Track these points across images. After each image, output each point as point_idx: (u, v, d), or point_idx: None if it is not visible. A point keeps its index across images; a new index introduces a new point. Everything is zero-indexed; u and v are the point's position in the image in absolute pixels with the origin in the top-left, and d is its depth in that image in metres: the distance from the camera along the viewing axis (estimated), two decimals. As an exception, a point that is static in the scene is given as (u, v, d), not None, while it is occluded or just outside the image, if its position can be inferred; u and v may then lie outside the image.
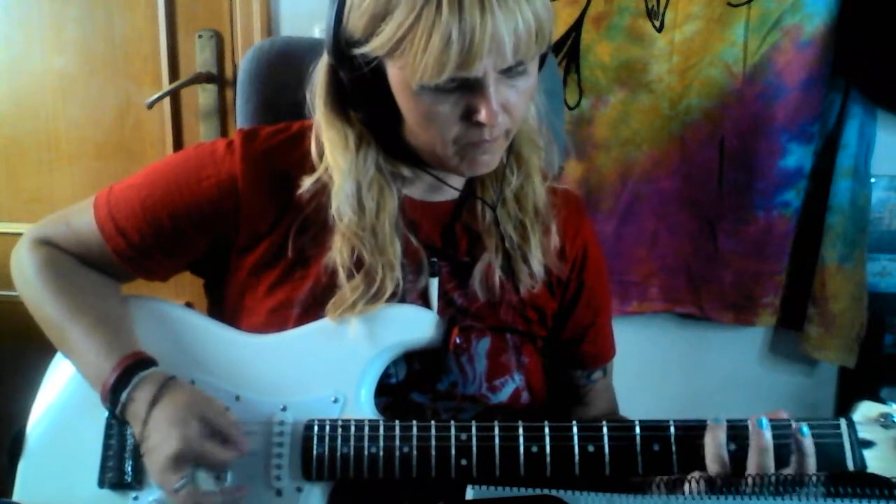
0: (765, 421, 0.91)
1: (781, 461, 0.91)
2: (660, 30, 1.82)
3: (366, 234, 1.00)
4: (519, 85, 0.92)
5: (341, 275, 1.01)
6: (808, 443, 0.90)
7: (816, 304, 1.89)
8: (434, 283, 1.05)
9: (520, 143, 1.05)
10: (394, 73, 0.90)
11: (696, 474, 0.91)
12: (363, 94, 0.94)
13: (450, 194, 1.07)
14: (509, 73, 0.90)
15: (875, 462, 0.91)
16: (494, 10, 0.83)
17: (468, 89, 0.89)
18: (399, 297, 1.03)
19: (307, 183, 1.02)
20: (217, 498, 0.95)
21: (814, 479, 0.84)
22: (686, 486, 0.90)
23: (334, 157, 1.00)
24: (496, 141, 0.95)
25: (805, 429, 0.91)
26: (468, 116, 0.91)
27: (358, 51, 0.90)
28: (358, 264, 1.01)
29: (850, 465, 0.91)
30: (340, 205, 1.00)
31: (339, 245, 1.01)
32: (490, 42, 0.84)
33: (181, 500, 0.92)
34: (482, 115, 0.89)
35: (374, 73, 0.91)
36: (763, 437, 0.90)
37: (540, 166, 1.09)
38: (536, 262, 1.07)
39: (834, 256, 1.85)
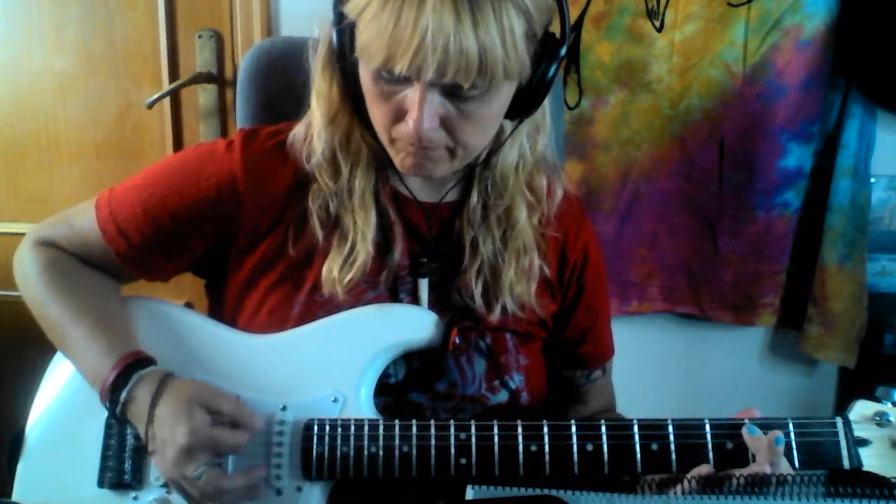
0: (782, 439, 0.90)
1: (740, 463, 0.91)
2: (660, 30, 1.82)
3: (339, 189, 1.01)
4: (467, 109, 0.90)
5: (317, 228, 1.01)
6: (762, 440, 0.90)
7: (816, 304, 1.89)
8: (423, 284, 1.05)
9: (503, 177, 1.04)
10: (358, 39, 0.89)
11: (704, 468, 0.91)
12: (341, 52, 0.93)
13: (447, 195, 1.07)
14: (454, 91, 0.88)
15: (871, 460, 0.91)
16: (429, 19, 0.81)
17: (407, 87, 0.88)
18: (391, 293, 1.04)
19: (298, 129, 1.03)
20: (238, 480, 0.94)
21: (812, 478, 0.84)
22: (679, 487, 0.90)
23: (317, 101, 1.01)
24: (434, 151, 0.93)
25: (752, 429, 0.91)
26: (400, 115, 0.91)
27: (344, 7, 0.90)
28: (335, 223, 1.02)
29: (847, 464, 0.92)
30: (314, 151, 1.01)
31: (316, 195, 1.02)
32: (415, 48, 0.82)
33: (201, 488, 0.92)
34: (408, 118, 0.89)
35: (350, 35, 0.90)
36: (777, 454, 0.90)
37: (531, 201, 1.07)
38: (507, 298, 1.05)
39: (834, 256, 1.85)
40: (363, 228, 1.01)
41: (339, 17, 0.91)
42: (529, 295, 1.07)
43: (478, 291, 1.04)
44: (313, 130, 1.02)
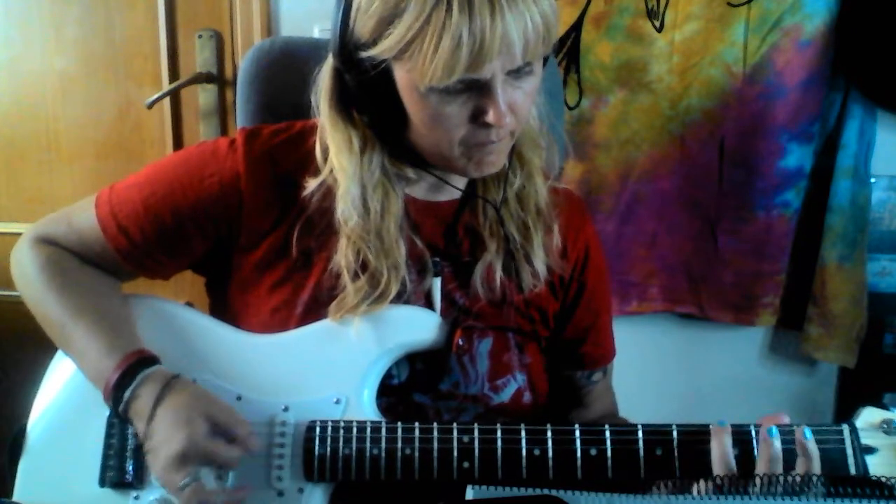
0: (775, 429, 0.91)
1: (787, 466, 0.91)
2: (660, 30, 1.82)
3: (370, 237, 1.00)
4: (525, 85, 0.92)
5: (346, 277, 1.01)
6: (812, 446, 0.90)
7: (816, 304, 1.89)
8: (437, 284, 1.05)
9: (521, 144, 1.05)
10: (401, 75, 0.90)
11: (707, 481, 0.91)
12: (369, 96, 0.94)
13: (452, 194, 1.07)
14: (517, 73, 0.90)
15: (878, 468, 0.91)
16: (504, 11, 0.83)
17: (476, 90, 0.89)
18: (403, 298, 1.03)
19: (312, 185, 1.02)
20: (221, 496, 0.94)
21: (814, 480, 0.84)
22: (694, 489, 0.90)
23: (339, 159, 1.00)
24: (502, 142, 0.95)
25: (808, 432, 0.91)
26: (476, 118, 0.91)
27: (365, 53, 0.90)
28: (363, 266, 1.01)
29: (853, 472, 0.91)
30: (345, 208, 1.00)
31: (345, 247, 1.01)
32: (500, 44, 0.84)
33: (186, 499, 0.92)
34: (490, 117, 0.90)
35: (381, 76, 0.90)
36: (773, 447, 0.90)
37: (541, 166, 1.09)
38: (539, 262, 1.07)
39: (834, 256, 1.85)
40: (396, 267, 1.01)
41: (358, 66, 0.91)
42: (555, 256, 1.09)
43: (498, 275, 1.05)
44: (339, 185, 1.00)
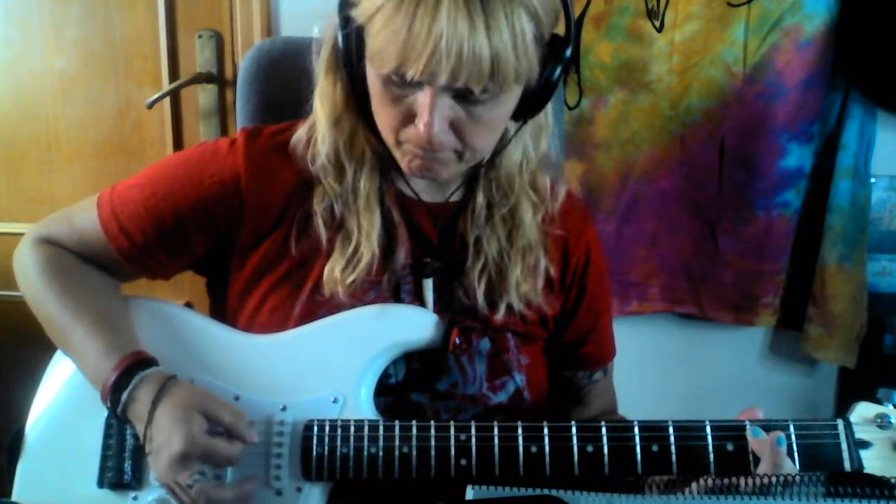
0: (783, 438, 0.91)
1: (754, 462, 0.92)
2: (660, 30, 1.82)
3: (344, 191, 1.01)
4: (477, 112, 0.90)
5: (322, 229, 1.01)
6: (766, 442, 0.91)
7: (816, 304, 1.89)
8: (428, 284, 1.05)
9: (507, 178, 1.04)
10: (368, 44, 0.90)
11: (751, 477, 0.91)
12: (347, 55, 0.93)
13: (451, 196, 1.07)
14: (465, 95, 0.88)
15: (872, 462, 0.92)
16: (444, 24, 0.81)
17: (417, 91, 0.88)
18: (394, 294, 1.04)
19: (300, 130, 1.03)
20: (228, 492, 0.95)
21: (813, 478, 0.84)
22: (694, 486, 0.90)
23: (321, 103, 1.01)
24: (441, 153, 0.93)
25: (756, 431, 0.92)
26: (409, 119, 0.91)
27: (351, 11, 0.90)
28: (339, 225, 1.02)
29: (848, 466, 0.92)
30: (319, 153, 1.01)
31: (321, 195, 1.02)
32: (430, 52, 0.82)
33: (192, 497, 0.92)
34: (418, 122, 0.89)
35: (358, 38, 0.90)
36: (781, 455, 0.90)
37: (535, 202, 1.07)
38: (513, 296, 1.05)
39: (834, 256, 1.85)
40: (368, 230, 1.01)
41: (346, 21, 0.91)
42: (536, 293, 1.07)
43: (481, 291, 1.05)
44: (317, 133, 1.03)
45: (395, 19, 0.83)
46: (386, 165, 1.03)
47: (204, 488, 0.92)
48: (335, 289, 1.01)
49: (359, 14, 0.89)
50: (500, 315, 1.05)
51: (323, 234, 1.02)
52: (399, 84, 0.89)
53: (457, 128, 0.91)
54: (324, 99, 1.01)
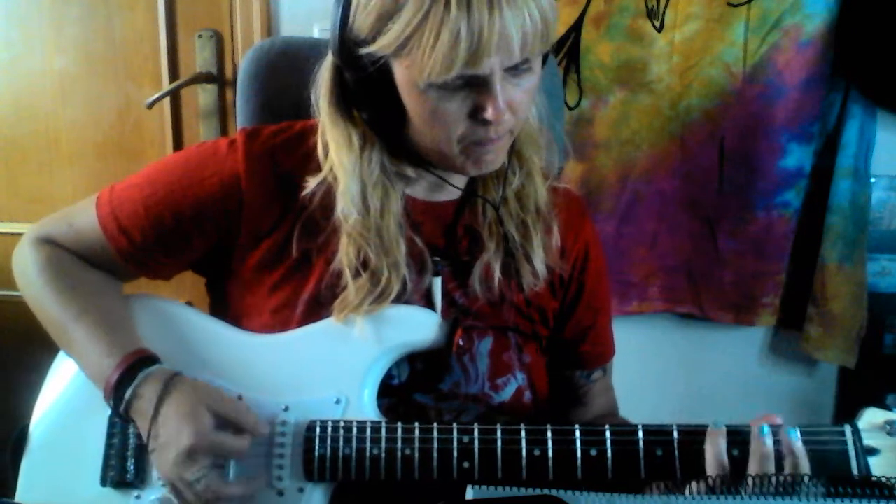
0: (766, 428, 0.91)
1: (778, 466, 0.90)
2: (660, 30, 1.82)
3: (371, 235, 1.00)
4: (523, 83, 0.92)
5: (347, 275, 1.01)
6: (799, 446, 0.90)
7: (816, 304, 1.89)
8: (437, 283, 1.05)
9: (521, 142, 1.05)
10: (400, 71, 0.90)
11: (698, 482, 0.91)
12: (368, 93, 0.94)
13: (452, 194, 1.07)
14: (515, 70, 0.90)
15: (880, 470, 0.90)
16: (503, 7, 0.84)
17: (475, 87, 0.89)
18: (403, 298, 1.03)
19: (312, 183, 1.02)
20: (234, 488, 0.95)
21: (813, 480, 0.84)
22: (686, 490, 0.90)
23: (339, 156, 1.00)
24: (501, 139, 0.95)
25: (793, 432, 0.90)
26: (474, 114, 0.91)
27: (364, 50, 0.90)
28: (363, 264, 1.01)
29: (855, 473, 0.90)
30: (346, 205, 1.00)
31: (345, 245, 1.01)
32: (498, 39, 0.84)
33: (199, 492, 0.92)
34: (489, 113, 0.89)
35: (380, 73, 0.91)
36: (764, 445, 0.90)
37: (541, 166, 1.09)
38: (539, 261, 1.07)
39: (834, 256, 1.85)
40: (398, 267, 1.01)
41: (358, 62, 0.91)
42: (554, 255, 1.09)
43: (497, 276, 1.05)
44: (339, 182, 1.01)
45: (448, 23, 0.83)
46: (396, 179, 1.03)
47: (210, 484, 0.92)
48: (350, 315, 1.00)
49: (381, 47, 0.88)
50: (526, 290, 1.06)
51: (349, 278, 1.01)
52: (457, 87, 0.89)
53: (511, 105, 0.92)
54: (340, 150, 1.00)
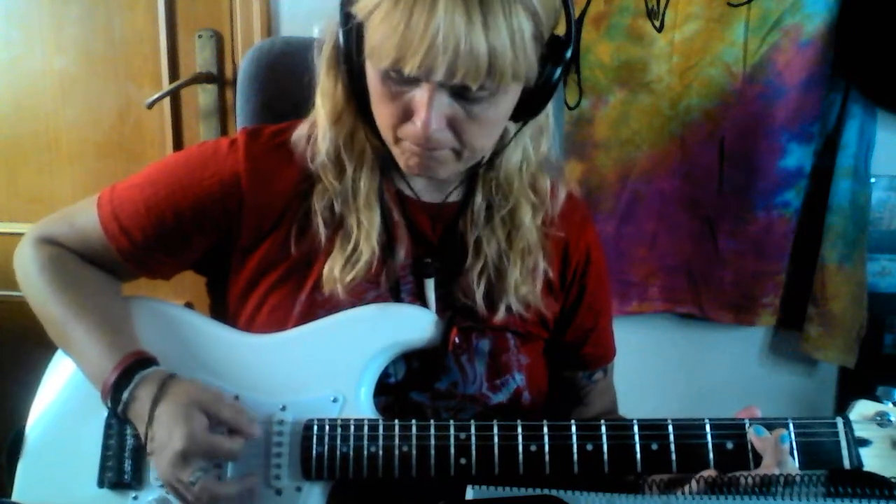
0: (787, 436, 0.92)
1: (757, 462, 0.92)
2: (660, 30, 1.82)
3: (344, 189, 1.01)
4: (474, 111, 0.90)
5: (321, 228, 1.01)
6: (769, 440, 0.91)
7: (816, 304, 1.89)
8: (430, 284, 1.05)
9: (507, 179, 1.04)
10: (367, 40, 0.90)
11: (707, 473, 0.92)
12: (347, 51, 0.93)
13: (450, 196, 1.07)
14: (462, 93, 0.88)
15: (871, 460, 0.92)
16: (442, 21, 0.81)
17: (416, 88, 0.88)
18: (394, 293, 1.03)
19: (302, 129, 1.03)
20: (231, 488, 0.95)
21: (813, 478, 0.84)
22: (686, 487, 0.90)
23: (322, 103, 1.01)
24: (438, 151, 0.93)
25: (760, 429, 0.93)
26: (407, 115, 0.91)
27: (350, 8, 0.90)
28: (339, 224, 1.02)
29: (847, 464, 0.92)
30: (319, 152, 1.01)
31: (321, 194, 1.02)
32: (426, 48, 0.82)
33: (195, 494, 0.92)
34: (415, 119, 0.89)
35: (357, 35, 0.90)
36: (784, 453, 0.90)
37: (534, 203, 1.07)
38: (512, 298, 1.05)
39: (834, 256, 1.85)
40: (367, 228, 1.01)
41: (346, 18, 0.91)
42: (535, 295, 1.07)
43: (480, 292, 1.04)
44: (318, 130, 1.03)
45: (393, 14, 0.83)
46: (386, 165, 1.03)
47: (207, 485, 0.92)
48: (334, 288, 1.01)
49: (358, 10, 0.88)
50: (499, 316, 1.05)
51: (322, 232, 1.02)
52: (397, 80, 0.88)
53: (455, 126, 0.91)
54: (325, 96, 1.01)
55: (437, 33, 0.81)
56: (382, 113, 0.94)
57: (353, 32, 0.91)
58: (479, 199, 1.06)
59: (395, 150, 0.96)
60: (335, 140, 1.01)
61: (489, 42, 0.83)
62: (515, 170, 1.05)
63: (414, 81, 0.87)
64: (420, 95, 0.88)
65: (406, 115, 0.91)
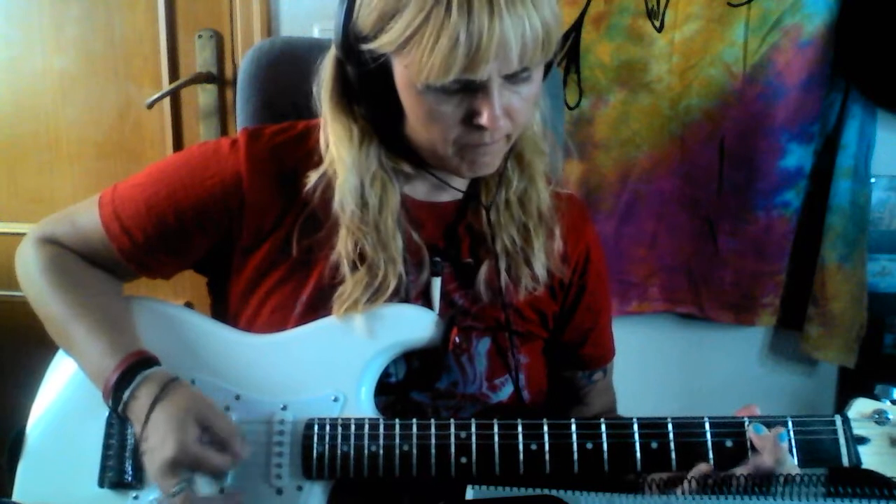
0: (785, 434, 0.92)
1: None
2: (660, 30, 1.82)
3: (368, 229, 1.01)
4: (523, 91, 0.92)
5: (345, 267, 1.01)
6: (768, 438, 0.91)
7: (816, 304, 1.89)
8: (436, 283, 1.05)
9: (523, 147, 1.05)
10: (399, 70, 0.90)
11: (704, 466, 0.92)
12: (368, 89, 0.94)
13: (453, 195, 1.07)
14: (514, 78, 0.90)
15: (870, 458, 0.92)
16: (503, 14, 0.84)
17: (472, 91, 0.89)
18: (401, 295, 1.03)
19: (313, 177, 1.02)
20: (215, 503, 0.95)
21: (812, 478, 0.84)
22: (686, 485, 0.90)
23: (338, 150, 1.00)
24: (496, 144, 0.95)
25: (759, 428, 0.93)
26: (470, 119, 0.91)
27: (366, 46, 0.90)
28: (360, 258, 1.01)
29: (846, 462, 0.92)
30: (344, 198, 1.00)
31: (344, 237, 1.01)
32: (497, 47, 0.84)
33: None
34: (484, 119, 0.90)
35: (381, 70, 0.91)
36: (783, 451, 0.90)
37: (544, 171, 1.09)
38: (540, 265, 1.07)
39: (834, 256, 1.85)
40: (395, 263, 1.01)
41: (359, 58, 0.91)
42: (556, 259, 1.09)
43: (503, 274, 1.05)
44: (338, 176, 1.01)
45: (447, 27, 0.84)
46: (394, 176, 1.03)
47: (188, 498, 0.92)
48: (354, 310, 1.01)
49: (382, 45, 0.89)
50: (522, 292, 1.06)
51: (347, 271, 1.01)
52: (454, 91, 0.89)
53: (510, 112, 0.92)
54: (340, 144, 1.01)
55: (507, 29, 0.84)
56: (436, 129, 0.94)
57: (374, 69, 0.91)
58: (482, 191, 1.07)
59: (453, 161, 0.97)
60: (359, 186, 1.00)
61: (541, 17, 0.87)
62: (530, 139, 1.06)
63: (470, 84, 0.88)
64: (483, 95, 0.89)
65: (466, 120, 0.92)
